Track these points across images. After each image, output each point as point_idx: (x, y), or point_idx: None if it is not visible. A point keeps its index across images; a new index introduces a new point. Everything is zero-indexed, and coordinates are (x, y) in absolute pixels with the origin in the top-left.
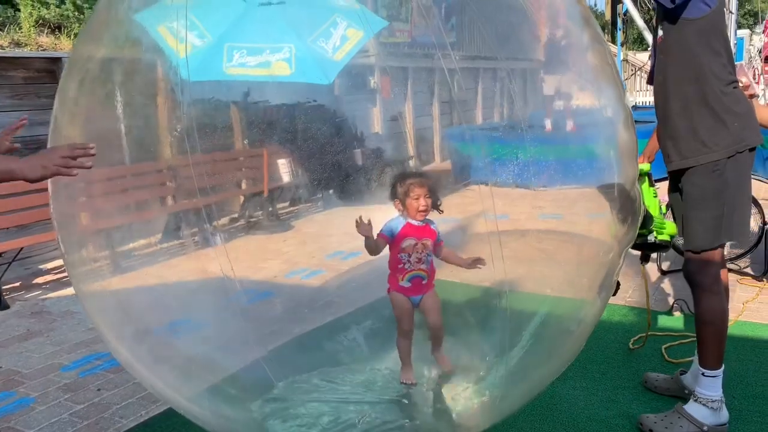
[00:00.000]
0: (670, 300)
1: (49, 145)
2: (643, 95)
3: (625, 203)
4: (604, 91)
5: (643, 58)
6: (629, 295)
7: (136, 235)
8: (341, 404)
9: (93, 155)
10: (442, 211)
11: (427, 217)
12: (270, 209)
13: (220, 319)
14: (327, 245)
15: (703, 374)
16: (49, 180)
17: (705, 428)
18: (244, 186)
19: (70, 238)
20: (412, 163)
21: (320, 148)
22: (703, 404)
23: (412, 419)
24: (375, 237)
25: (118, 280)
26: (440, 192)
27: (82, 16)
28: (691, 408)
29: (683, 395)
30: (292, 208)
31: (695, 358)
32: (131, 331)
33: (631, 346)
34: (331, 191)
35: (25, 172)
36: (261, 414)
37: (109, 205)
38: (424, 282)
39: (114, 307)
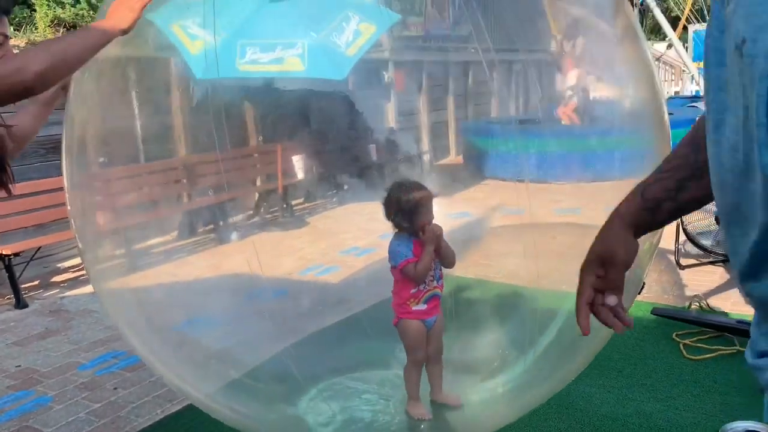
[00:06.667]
0: (688, 296)
1: (64, 136)
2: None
3: None
4: (630, 81)
5: (660, 48)
6: (645, 290)
7: (152, 233)
8: (359, 402)
9: None
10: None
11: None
12: (284, 206)
13: (236, 316)
14: (342, 241)
15: None
16: (65, 176)
17: None
18: (258, 183)
19: (89, 236)
20: (427, 157)
21: (334, 144)
22: None
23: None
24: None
25: (136, 278)
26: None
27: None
28: None
29: None
30: (306, 205)
31: None
32: (151, 328)
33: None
34: (345, 187)
35: (119, 25)
36: (284, 410)
37: (126, 203)
38: (439, 299)
39: (133, 305)
